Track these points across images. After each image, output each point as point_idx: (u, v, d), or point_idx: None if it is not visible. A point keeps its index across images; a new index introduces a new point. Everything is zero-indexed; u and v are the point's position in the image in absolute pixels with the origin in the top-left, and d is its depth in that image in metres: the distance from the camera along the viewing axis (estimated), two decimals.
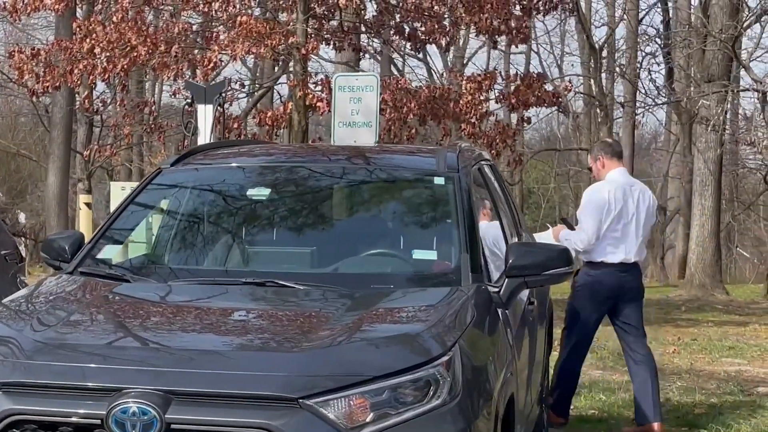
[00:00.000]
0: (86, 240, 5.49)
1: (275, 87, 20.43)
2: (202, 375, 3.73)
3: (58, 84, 14.62)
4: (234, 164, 5.70)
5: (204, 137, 9.21)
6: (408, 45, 15.82)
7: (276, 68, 21.26)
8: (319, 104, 12.53)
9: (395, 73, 27.71)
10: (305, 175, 5.50)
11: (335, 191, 5.48)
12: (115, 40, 12.94)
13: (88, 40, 13.15)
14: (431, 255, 4.95)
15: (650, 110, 22.74)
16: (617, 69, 23.86)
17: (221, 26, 13.40)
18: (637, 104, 23.45)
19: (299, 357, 3.82)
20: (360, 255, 5.05)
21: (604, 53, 27.67)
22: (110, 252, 5.25)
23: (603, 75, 25.21)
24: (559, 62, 35.77)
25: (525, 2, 13.62)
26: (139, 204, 5.52)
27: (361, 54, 16.06)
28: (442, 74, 28.23)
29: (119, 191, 12.82)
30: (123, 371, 3.82)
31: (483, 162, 5.95)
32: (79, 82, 14.07)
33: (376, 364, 3.81)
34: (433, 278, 4.82)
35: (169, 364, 3.83)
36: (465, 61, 35.20)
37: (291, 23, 13.63)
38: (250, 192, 5.40)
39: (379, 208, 5.43)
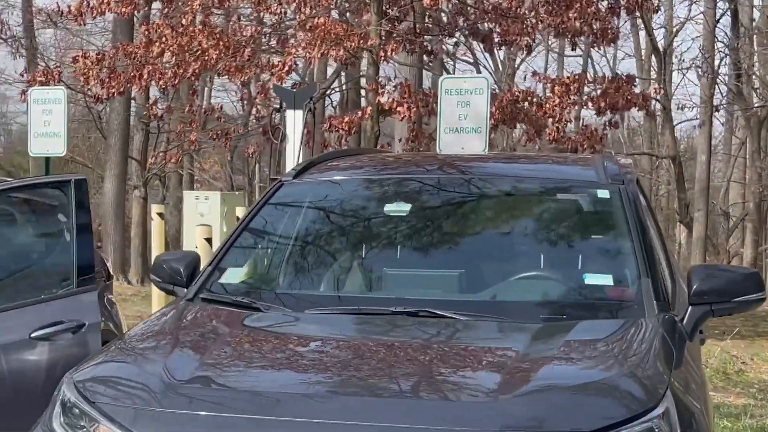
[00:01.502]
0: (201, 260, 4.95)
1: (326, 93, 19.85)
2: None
3: (123, 90, 14.14)
4: (366, 176, 5.09)
5: (293, 144, 8.63)
6: (482, 46, 15.14)
7: (329, 73, 20.72)
8: (399, 109, 11.93)
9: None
10: (449, 188, 4.88)
11: (483, 206, 4.86)
12: (185, 44, 12.42)
13: (157, 44, 12.63)
14: (606, 279, 4.30)
15: (748, 112, 21.83)
16: (698, 70, 23.07)
17: (294, 29, 12.82)
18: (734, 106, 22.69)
19: (493, 408, 3.20)
20: (517, 279, 4.42)
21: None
22: (232, 276, 4.66)
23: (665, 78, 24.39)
24: (611, 65, 35.04)
25: (612, 1, 12.93)
26: (260, 221, 4.93)
27: (432, 56, 15.44)
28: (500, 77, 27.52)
29: (193, 200, 12.34)
30: (285, 425, 3.23)
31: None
32: (146, 86, 13.56)
33: (584, 418, 3.18)
34: (612, 307, 4.18)
35: (336, 416, 3.23)
36: (517, 64, 34.47)
37: (364, 25, 13.06)
38: (388, 207, 4.78)
39: (534, 224, 4.78)
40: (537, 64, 36.37)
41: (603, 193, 4.62)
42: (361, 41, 11.79)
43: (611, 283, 4.29)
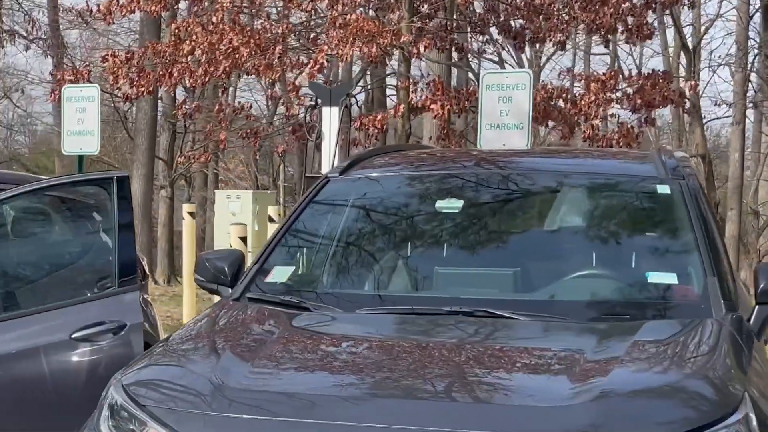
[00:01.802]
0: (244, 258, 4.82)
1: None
2: None
3: (152, 89, 14.03)
4: (415, 172, 4.95)
5: (329, 142, 8.50)
6: (513, 44, 14.95)
7: (354, 73, 20.59)
8: (432, 107, 11.77)
9: (470, 76, 26.87)
10: (502, 184, 4.73)
11: (538, 202, 4.71)
12: (216, 42, 12.30)
13: (188, 42, 12.51)
14: (670, 278, 4.14)
15: None
16: (731, 67, 22.78)
17: (325, 26, 12.68)
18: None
19: (564, 413, 3.06)
20: (575, 277, 4.27)
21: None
22: (279, 274, 4.53)
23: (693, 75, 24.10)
24: (637, 63, 34.73)
25: None
26: (305, 219, 4.80)
27: (462, 53, 15.25)
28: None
29: (224, 199, 12.23)
30: (343, 430, 3.09)
31: None
32: (176, 85, 13.46)
33: (659, 424, 3.03)
34: (677, 307, 4.03)
35: (401, 422, 3.08)
36: (543, 62, 34.21)
37: (394, 22, 12.91)
38: (440, 204, 4.63)
39: (591, 221, 4.63)
40: (562, 62, 36.12)
41: (663, 189, 4.47)
42: (394, 38, 11.64)
43: (676, 282, 4.14)
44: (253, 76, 14.25)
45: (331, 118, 8.45)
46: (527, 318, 3.87)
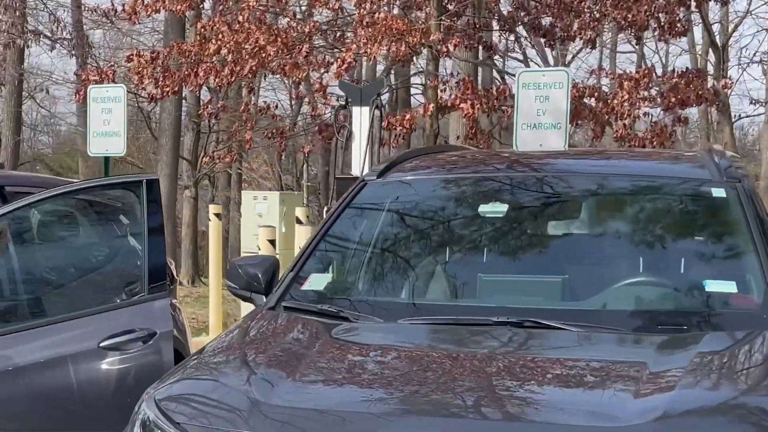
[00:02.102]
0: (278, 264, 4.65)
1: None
2: None
3: (177, 89, 13.91)
4: (456, 175, 4.75)
5: (359, 142, 8.31)
6: (542, 41, 14.71)
7: (377, 73, 20.39)
8: (462, 106, 11.57)
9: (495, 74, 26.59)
10: (547, 187, 4.53)
11: (585, 205, 4.50)
12: (242, 41, 12.14)
13: (214, 41, 12.36)
14: (729, 287, 3.93)
15: None
16: (765, 66, 22.47)
17: (353, 25, 12.49)
18: None
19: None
20: (627, 285, 4.06)
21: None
22: (316, 282, 4.34)
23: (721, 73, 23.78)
24: (663, 61, 34.36)
25: None
26: (342, 224, 4.61)
27: (491, 52, 15.04)
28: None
29: (251, 201, 12.06)
30: None
31: None
32: (201, 85, 13.32)
33: None
34: (737, 317, 3.81)
35: None
36: (568, 60, 33.86)
37: (421, 21, 12.72)
38: (483, 208, 4.43)
39: (642, 226, 4.41)
40: (587, 61, 35.76)
41: (719, 192, 4.25)
42: (423, 36, 11.45)
43: (735, 291, 3.92)
44: (279, 75, 14.08)
45: (361, 117, 8.27)
46: (580, 329, 3.67)
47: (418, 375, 3.37)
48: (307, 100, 17.00)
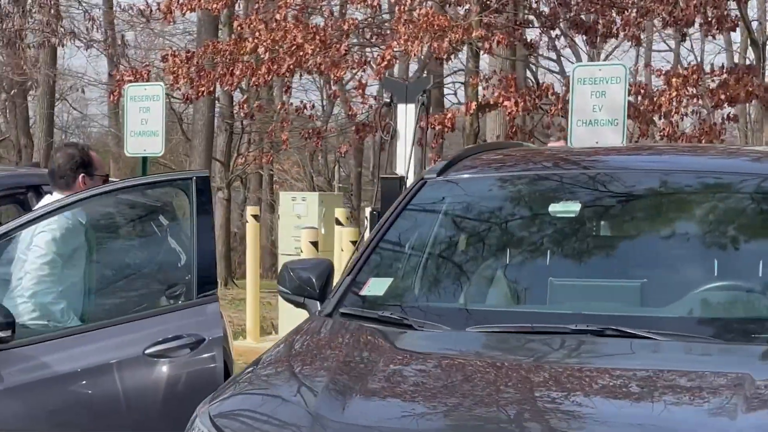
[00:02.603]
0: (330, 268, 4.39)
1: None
2: None
3: (212, 89, 13.73)
4: (520, 173, 4.48)
5: (405, 140, 8.06)
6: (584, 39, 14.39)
7: (412, 70, 20.12)
8: (506, 103, 11.31)
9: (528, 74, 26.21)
10: (620, 185, 4.25)
11: (667, 205, 4.21)
12: (279, 39, 11.93)
13: (250, 39, 12.16)
14: None
15: None
16: None
17: (392, 21, 12.24)
18: None
19: None
20: (715, 291, 3.78)
21: None
22: (375, 287, 4.08)
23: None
24: (699, 59, 33.87)
25: None
26: (402, 225, 4.35)
27: (531, 49, 14.74)
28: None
29: (289, 201, 11.83)
30: None
31: None
32: (238, 84, 13.13)
33: None
34: None
35: None
36: (603, 57, 33.41)
37: (461, 17, 12.47)
38: (554, 208, 4.16)
39: (733, 227, 4.11)
40: (620, 58, 35.32)
41: None
42: (465, 33, 11.18)
43: None
44: (314, 74, 13.86)
45: (406, 115, 8.02)
46: (667, 338, 3.40)
47: (498, 391, 3.11)
48: (339, 99, 16.80)
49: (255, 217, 11.08)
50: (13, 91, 21.90)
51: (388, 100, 8.15)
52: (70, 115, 35.42)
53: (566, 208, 4.11)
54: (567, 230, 4.16)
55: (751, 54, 26.87)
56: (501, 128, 17.07)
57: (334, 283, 4.18)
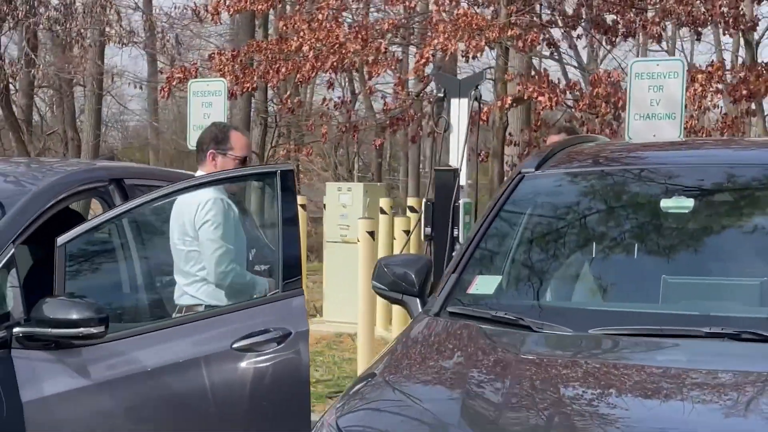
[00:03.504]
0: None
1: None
2: None
3: (256, 85, 13.26)
4: (624, 167, 3.98)
5: (458, 135, 7.56)
6: (604, 39, 13.85)
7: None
8: (540, 99, 10.80)
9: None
10: (732, 179, 3.76)
11: None
12: (323, 38, 11.44)
13: (296, 38, 11.68)
14: None
15: None
16: None
17: (428, 20, 11.73)
18: None
19: None
20: None
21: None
22: (484, 285, 3.60)
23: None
24: (689, 59, 33.23)
25: None
26: (502, 221, 3.87)
27: (554, 48, 14.24)
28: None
29: (335, 191, 11.34)
30: None
31: None
32: (284, 80, 12.65)
33: None
34: None
35: None
36: (602, 56, 32.78)
37: (491, 17, 11.95)
38: (666, 203, 3.67)
39: None
40: (619, 57, 34.68)
41: None
42: (500, 32, 10.68)
43: None
44: (354, 70, 13.38)
45: (459, 109, 7.52)
46: None
47: (648, 404, 2.63)
48: (375, 95, 16.32)
49: (303, 206, 10.59)
50: (61, 87, 21.41)
51: (441, 95, 7.65)
52: (110, 110, 34.96)
53: (679, 204, 3.61)
54: (678, 226, 3.67)
55: (742, 52, 26.30)
56: (518, 123, 16.60)
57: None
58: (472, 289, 3.54)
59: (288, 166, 4.79)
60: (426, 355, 3.18)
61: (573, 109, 12.38)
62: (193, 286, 4.60)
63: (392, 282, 3.78)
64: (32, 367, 3.90)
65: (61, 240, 3.99)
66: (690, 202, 3.61)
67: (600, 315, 3.29)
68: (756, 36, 25.15)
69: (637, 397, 2.68)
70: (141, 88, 19.80)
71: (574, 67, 17.65)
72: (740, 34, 24.63)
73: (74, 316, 3.87)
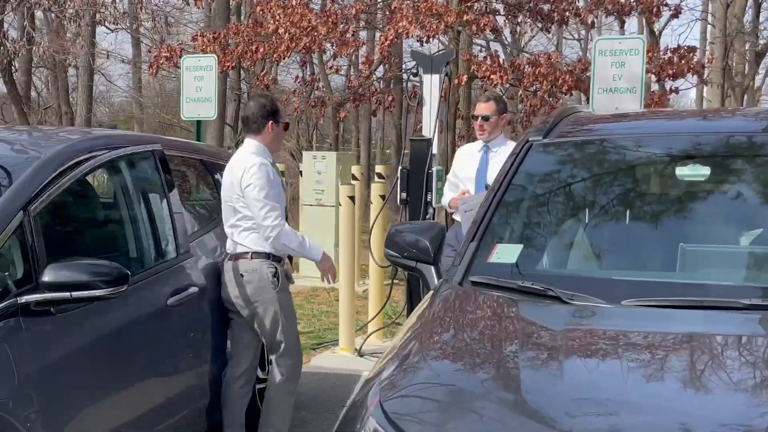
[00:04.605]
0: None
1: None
2: None
3: (234, 64, 12.47)
4: (635, 132, 3.43)
5: (430, 109, 6.97)
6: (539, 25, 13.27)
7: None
8: (492, 77, 10.22)
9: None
10: (746, 146, 3.23)
11: None
12: (297, 21, 10.71)
13: (272, 21, 10.93)
14: None
15: None
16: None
17: (392, 4, 11.03)
18: None
19: None
20: None
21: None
22: (505, 254, 3.03)
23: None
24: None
25: None
26: (515, 189, 3.30)
27: (497, 33, 13.62)
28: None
29: (311, 160, 10.69)
30: None
31: None
32: (262, 59, 11.88)
33: None
34: None
35: None
36: (526, 41, 32.26)
37: (444, 3, 11.31)
38: (681, 171, 3.13)
39: None
40: (541, 42, 34.17)
41: None
42: (457, 17, 10.06)
43: None
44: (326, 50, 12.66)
45: (431, 85, 6.93)
46: None
47: (723, 376, 2.10)
48: (338, 73, 15.60)
49: (282, 173, 9.91)
50: (56, 67, 20.24)
51: (415, 71, 7.03)
52: (98, 88, 33.64)
53: (695, 172, 3.07)
54: (695, 194, 3.14)
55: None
56: (463, 100, 16.03)
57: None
58: (493, 258, 2.98)
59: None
60: (463, 330, 2.61)
61: (517, 87, 11.82)
62: (241, 234, 4.43)
63: (405, 249, 3.22)
64: (43, 333, 3.26)
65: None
66: (707, 171, 3.08)
67: (629, 286, 2.74)
68: (658, 26, 24.81)
69: (708, 370, 2.16)
70: (134, 65, 18.73)
71: (517, 50, 17.06)
72: (644, 22, 24.32)
73: (89, 277, 3.25)
